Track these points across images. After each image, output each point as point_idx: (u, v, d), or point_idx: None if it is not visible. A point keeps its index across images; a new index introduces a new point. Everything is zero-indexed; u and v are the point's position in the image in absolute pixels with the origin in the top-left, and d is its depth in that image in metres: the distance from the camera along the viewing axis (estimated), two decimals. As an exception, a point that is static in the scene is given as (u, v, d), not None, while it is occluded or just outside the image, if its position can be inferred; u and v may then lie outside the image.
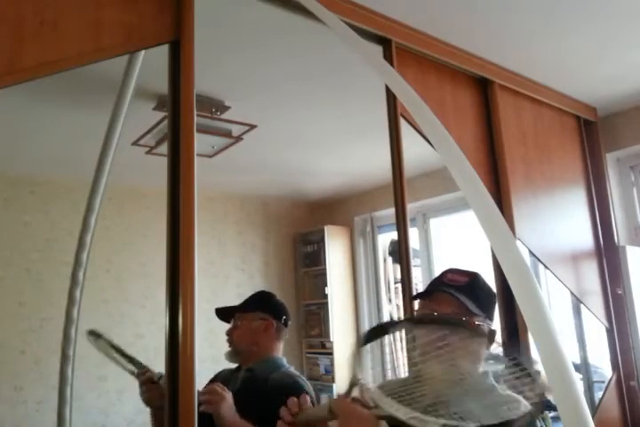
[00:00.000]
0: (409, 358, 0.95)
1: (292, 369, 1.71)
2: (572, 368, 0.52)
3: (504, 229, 0.61)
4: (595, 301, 2.37)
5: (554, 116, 2.47)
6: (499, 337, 1.01)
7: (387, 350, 0.91)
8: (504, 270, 0.58)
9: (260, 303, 1.78)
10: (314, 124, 2.63)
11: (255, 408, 1.46)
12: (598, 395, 2.52)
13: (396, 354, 0.94)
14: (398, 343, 0.91)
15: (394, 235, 3.95)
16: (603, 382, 2.53)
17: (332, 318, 4.01)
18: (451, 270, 1.23)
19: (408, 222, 1.70)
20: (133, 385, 1.63)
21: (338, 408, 0.86)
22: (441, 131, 0.71)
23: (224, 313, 1.80)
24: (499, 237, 0.60)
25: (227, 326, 1.78)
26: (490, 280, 1.98)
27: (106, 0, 1.27)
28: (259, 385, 1.60)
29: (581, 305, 2.43)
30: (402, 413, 0.78)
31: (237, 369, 1.75)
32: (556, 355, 0.52)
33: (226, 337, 1.76)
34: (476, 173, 0.65)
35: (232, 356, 1.74)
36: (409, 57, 1.86)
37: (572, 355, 2.71)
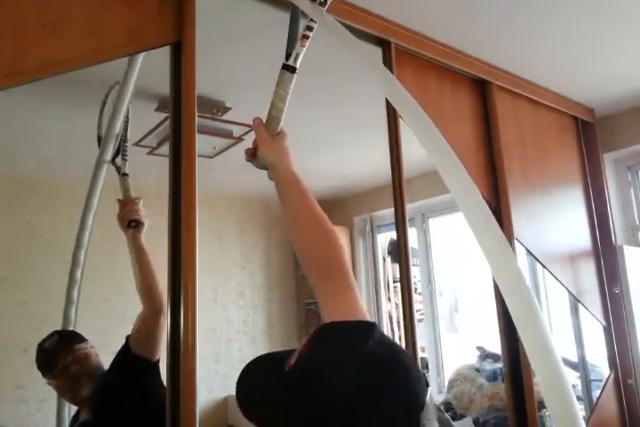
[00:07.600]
0: None
1: None
2: (562, 366, 0.52)
3: (497, 234, 0.59)
4: (592, 300, 2.38)
5: (552, 116, 2.48)
6: None
7: None
8: (497, 282, 0.56)
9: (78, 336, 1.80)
10: (313, 124, 2.64)
11: None
12: (596, 393, 2.53)
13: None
14: None
15: (393, 234, 3.96)
16: (600, 380, 2.54)
17: (331, 318, 4.01)
18: None
19: (407, 222, 1.71)
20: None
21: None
22: (432, 131, 0.70)
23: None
24: (491, 242, 0.59)
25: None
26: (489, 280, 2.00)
27: (108, 2, 1.27)
28: None
29: (579, 304, 2.45)
30: None
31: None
32: (546, 353, 0.52)
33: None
34: (475, 173, 0.65)
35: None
36: (408, 58, 1.87)
37: (569, 354, 2.72)
